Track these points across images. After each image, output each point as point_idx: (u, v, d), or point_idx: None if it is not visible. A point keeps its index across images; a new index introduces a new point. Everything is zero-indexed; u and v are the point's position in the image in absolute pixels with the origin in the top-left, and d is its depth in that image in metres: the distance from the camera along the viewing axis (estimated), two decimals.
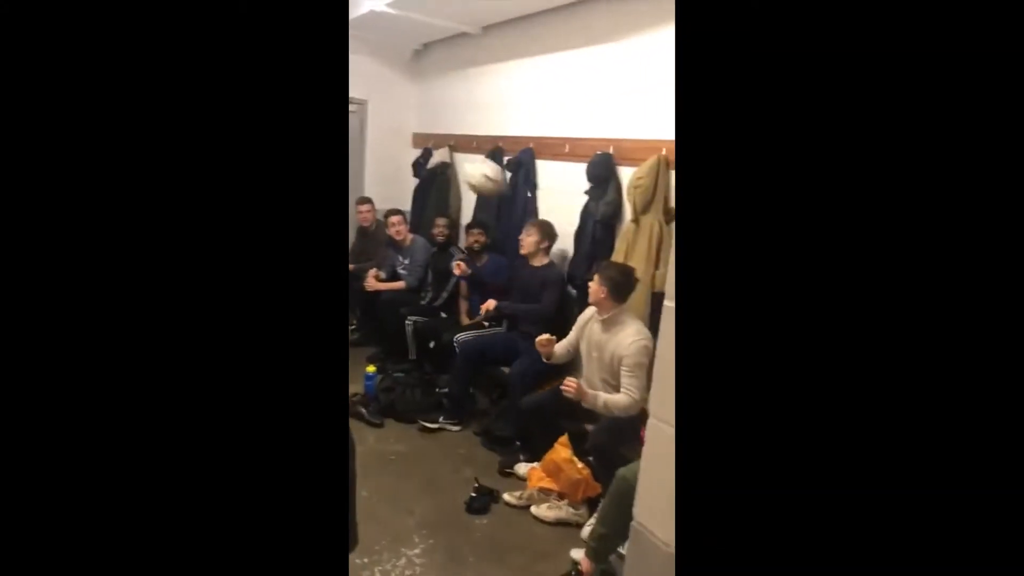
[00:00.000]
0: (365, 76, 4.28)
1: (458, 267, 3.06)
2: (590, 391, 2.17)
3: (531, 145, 3.29)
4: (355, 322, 3.88)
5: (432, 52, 4.33)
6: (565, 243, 2.94)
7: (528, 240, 2.83)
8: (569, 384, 2.13)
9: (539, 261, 2.85)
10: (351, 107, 4.33)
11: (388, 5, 3.23)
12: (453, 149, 4.02)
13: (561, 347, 2.43)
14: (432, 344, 3.17)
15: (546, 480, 2.25)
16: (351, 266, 3.87)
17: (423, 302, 3.48)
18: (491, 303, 2.86)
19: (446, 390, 2.91)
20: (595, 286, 2.22)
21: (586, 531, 2.04)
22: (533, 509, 2.22)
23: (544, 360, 2.42)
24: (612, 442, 2.08)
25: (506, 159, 3.40)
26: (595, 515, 2.00)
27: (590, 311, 2.38)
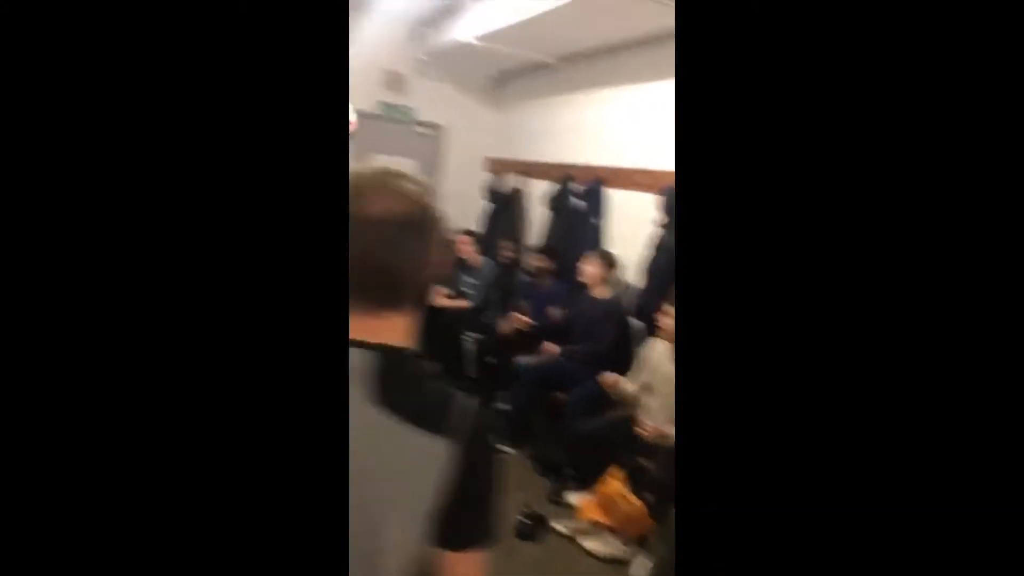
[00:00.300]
0: (445, 103, 4.46)
1: (515, 319, 3.10)
2: (651, 424, 2.12)
3: (602, 174, 3.31)
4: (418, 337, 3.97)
5: (511, 81, 4.46)
6: (632, 275, 2.91)
7: (589, 270, 2.83)
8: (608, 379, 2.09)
9: (600, 292, 2.84)
10: (429, 131, 4.51)
11: (474, 37, 3.38)
12: (526, 175, 4.10)
13: (632, 386, 2.39)
14: (491, 363, 3.20)
15: (598, 512, 2.21)
16: None
17: (486, 321, 3.53)
18: (552, 348, 2.85)
19: (503, 407, 2.92)
20: (673, 320, 2.18)
21: (635, 568, 1.98)
22: (584, 542, 2.17)
23: (615, 400, 2.39)
24: (674, 480, 2.02)
25: (577, 187, 3.44)
26: (645, 551, 1.94)
27: (659, 344, 2.34)
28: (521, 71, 4.21)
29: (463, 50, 3.65)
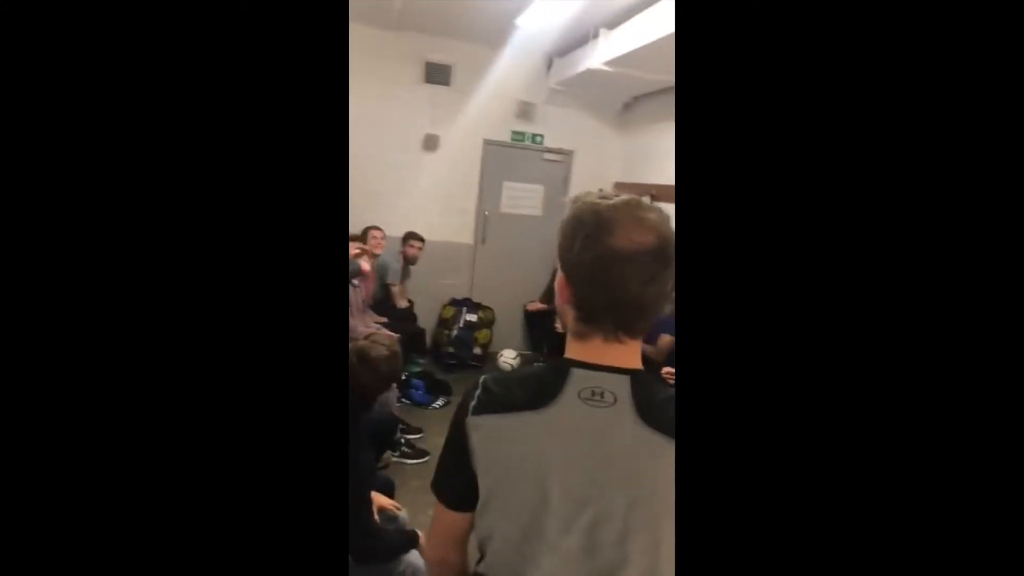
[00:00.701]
0: (574, 129, 4.52)
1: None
2: None
3: None
4: (542, 358, 4.00)
5: (641, 105, 4.41)
6: None
7: None
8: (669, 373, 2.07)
9: None
10: (558, 157, 4.59)
11: (605, 63, 3.40)
12: (654, 198, 4.01)
13: None
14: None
15: None
16: (543, 306, 4.04)
17: None
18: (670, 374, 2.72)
19: None
20: None
21: None
22: None
23: None
24: None
25: None
26: None
27: None
28: (650, 94, 4.15)
29: (593, 76, 3.69)
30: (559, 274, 0.70)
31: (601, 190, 0.71)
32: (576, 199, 0.70)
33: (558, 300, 0.71)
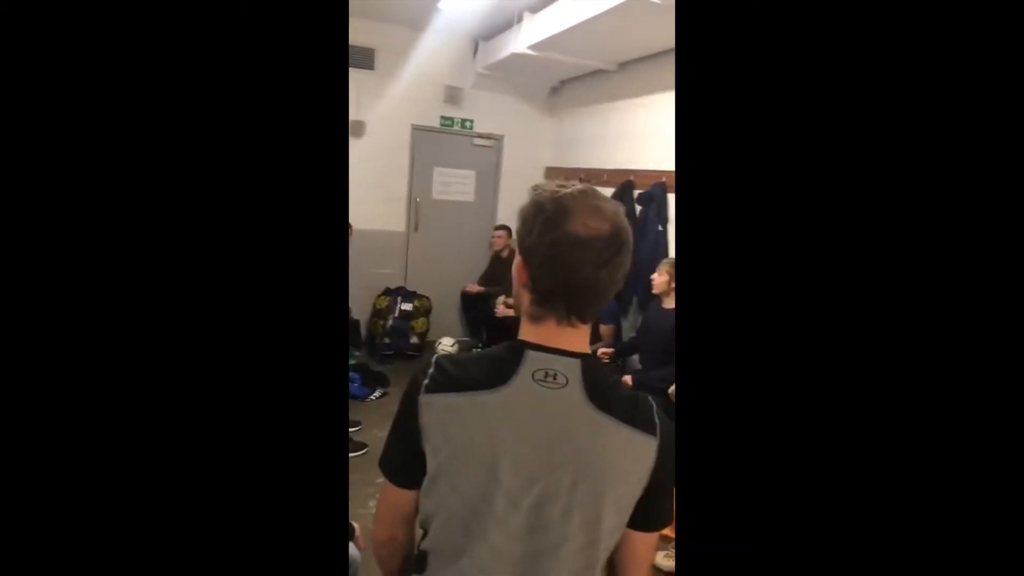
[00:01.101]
0: (503, 114, 4.51)
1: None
2: None
3: (663, 179, 3.23)
4: (480, 344, 4.01)
5: (568, 89, 4.45)
6: None
7: (660, 280, 2.74)
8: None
9: (671, 303, 2.75)
10: (488, 143, 4.57)
11: (529, 47, 3.40)
12: (584, 182, 4.07)
13: None
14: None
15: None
16: (482, 288, 4.04)
17: None
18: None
19: None
20: None
21: None
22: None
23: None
24: None
25: (637, 193, 3.38)
26: None
27: None
28: (578, 79, 4.20)
29: (519, 61, 3.68)
30: (517, 257, 0.73)
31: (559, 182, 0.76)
32: (536, 187, 0.73)
33: (516, 283, 0.74)
